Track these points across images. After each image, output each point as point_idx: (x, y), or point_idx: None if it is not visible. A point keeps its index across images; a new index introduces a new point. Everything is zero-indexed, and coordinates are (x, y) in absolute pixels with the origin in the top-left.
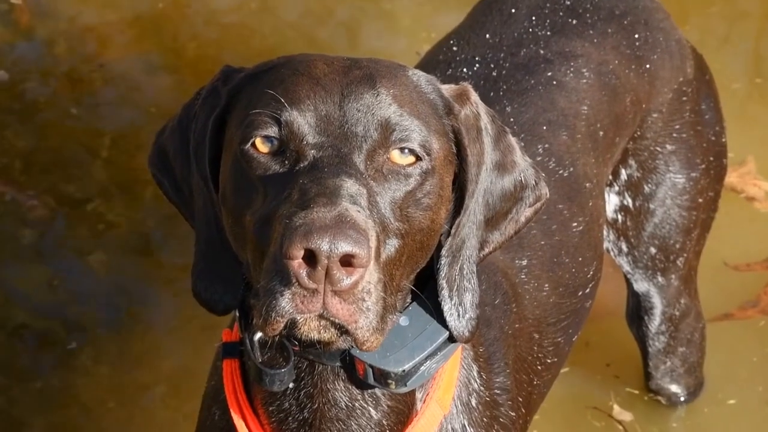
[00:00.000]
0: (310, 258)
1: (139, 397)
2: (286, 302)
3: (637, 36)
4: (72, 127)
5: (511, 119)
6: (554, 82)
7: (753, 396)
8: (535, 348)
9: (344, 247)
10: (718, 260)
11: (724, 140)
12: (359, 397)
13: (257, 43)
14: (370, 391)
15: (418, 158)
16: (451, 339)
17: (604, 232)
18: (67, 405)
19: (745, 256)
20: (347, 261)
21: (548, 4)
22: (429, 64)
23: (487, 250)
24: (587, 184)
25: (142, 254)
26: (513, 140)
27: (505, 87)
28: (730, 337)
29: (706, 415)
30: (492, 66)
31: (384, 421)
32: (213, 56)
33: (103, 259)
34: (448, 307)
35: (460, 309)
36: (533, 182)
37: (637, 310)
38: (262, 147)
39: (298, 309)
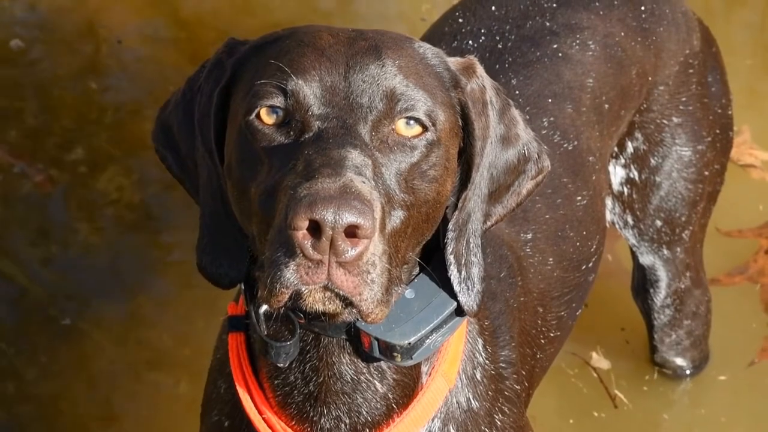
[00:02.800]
0: (315, 229)
1: (136, 372)
2: (290, 273)
3: (643, 8)
4: (86, 101)
5: (517, 92)
6: (560, 55)
7: (737, 360)
8: (539, 321)
9: (349, 217)
10: (710, 225)
11: (730, 113)
12: (365, 370)
13: (263, 17)
14: (375, 364)
15: (424, 129)
16: (458, 312)
17: (610, 205)
18: (64, 378)
19: (737, 223)
20: (352, 232)
21: None
22: (434, 35)
23: (489, 223)
24: (591, 158)
25: (146, 231)
26: (517, 113)
27: (510, 59)
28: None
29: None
30: (497, 38)
31: (389, 395)
32: (218, 29)
33: (105, 234)
34: (457, 282)
35: (468, 283)
36: (536, 155)
37: (642, 283)
38: (267, 118)
39: (302, 280)
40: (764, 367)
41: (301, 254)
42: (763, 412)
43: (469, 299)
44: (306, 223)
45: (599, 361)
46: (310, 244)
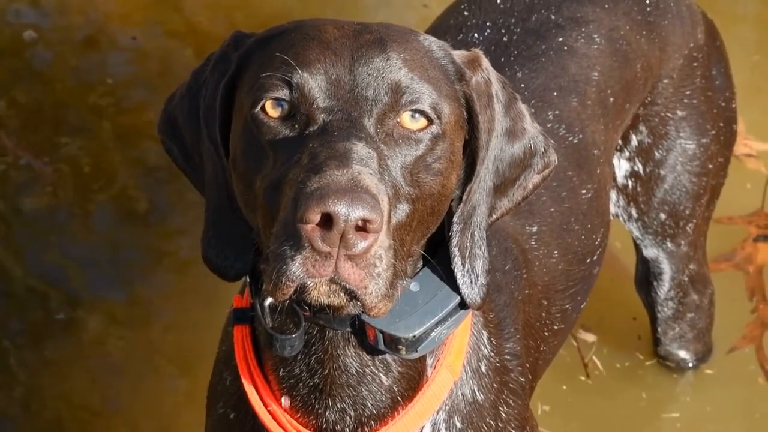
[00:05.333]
0: (325, 222)
1: (135, 364)
2: (297, 267)
3: (648, 1)
4: (92, 93)
5: (522, 85)
6: (565, 48)
7: (719, 346)
8: (544, 314)
9: (361, 212)
10: None
11: (734, 106)
12: (370, 362)
13: (267, 9)
14: (380, 356)
15: (429, 122)
16: (462, 305)
17: (614, 198)
18: (63, 370)
19: (728, 210)
20: (362, 225)
21: None
22: (439, 28)
23: (494, 217)
24: (596, 151)
25: (147, 222)
26: (523, 107)
27: (516, 52)
28: None
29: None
30: (503, 31)
31: (394, 387)
32: (223, 22)
33: (106, 225)
34: (461, 275)
35: (472, 276)
36: (542, 149)
37: (646, 275)
38: (272, 111)
39: (309, 273)
40: (743, 355)
41: (310, 247)
42: (739, 398)
43: (472, 292)
44: (318, 217)
45: (584, 334)
46: (319, 236)
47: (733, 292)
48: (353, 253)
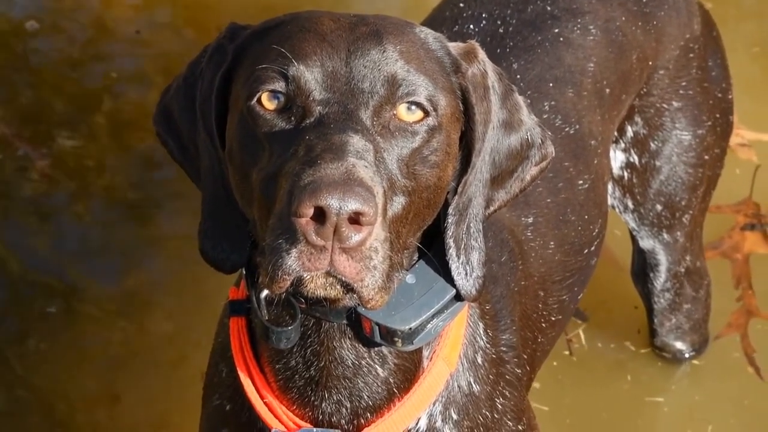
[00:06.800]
0: (319, 215)
1: (130, 360)
2: (292, 260)
3: None
4: (89, 84)
5: (518, 76)
6: (561, 39)
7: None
8: (540, 305)
9: (354, 204)
10: None
11: (730, 97)
12: (366, 355)
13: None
14: (376, 348)
15: (425, 114)
16: (458, 297)
17: (610, 189)
18: (61, 361)
19: (716, 199)
20: (355, 218)
21: None
22: (435, 20)
23: (492, 209)
24: (592, 142)
25: (141, 212)
26: (520, 99)
27: (511, 44)
28: None
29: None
30: (499, 22)
31: (391, 379)
32: (218, 14)
33: (101, 216)
34: (455, 266)
35: (467, 268)
36: (539, 141)
37: (642, 267)
38: (268, 104)
39: (304, 266)
40: (727, 342)
41: (304, 241)
42: (723, 385)
43: (467, 284)
44: (311, 211)
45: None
46: (313, 230)
47: (719, 280)
48: (347, 246)
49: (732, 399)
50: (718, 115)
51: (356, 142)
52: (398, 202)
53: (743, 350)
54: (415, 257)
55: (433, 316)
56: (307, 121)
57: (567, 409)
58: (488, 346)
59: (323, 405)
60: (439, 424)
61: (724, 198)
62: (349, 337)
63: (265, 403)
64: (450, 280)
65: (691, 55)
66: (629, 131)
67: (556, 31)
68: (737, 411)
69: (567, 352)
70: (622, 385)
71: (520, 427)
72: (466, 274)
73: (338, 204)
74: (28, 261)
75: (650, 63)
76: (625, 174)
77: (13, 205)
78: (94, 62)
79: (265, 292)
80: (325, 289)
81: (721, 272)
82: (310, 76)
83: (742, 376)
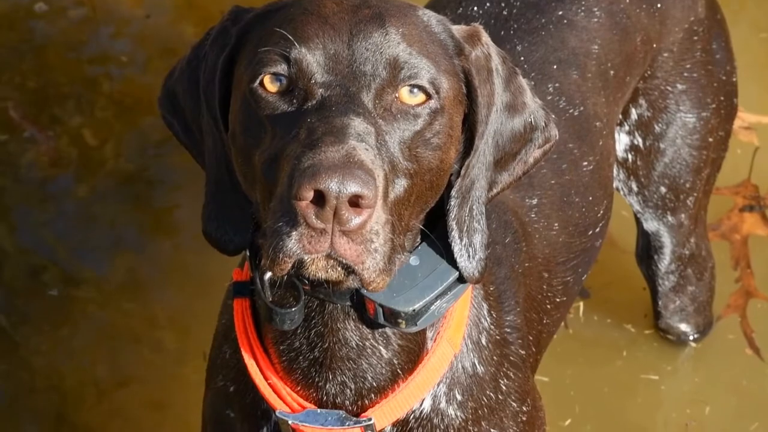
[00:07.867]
0: (319, 198)
1: (132, 341)
2: (293, 243)
3: None
4: (96, 66)
5: (522, 58)
6: (565, 21)
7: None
8: (545, 287)
9: (353, 187)
10: None
11: (734, 80)
12: (370, 336)
13: None
14: (380, 330)
15: (428, 97)
16: (461, 279)
17: (615, 172)
18: (65, 345)
19: (718, 181)
20: (355, 201)
21: None
22: (439, 2)
23: (495, 191)
24: (597, 123)
25: (144, 194)
26: (524, 81)
27: (515, 26)
28: None
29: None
30: (502, 4)
31: (395, 360)
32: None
33: (104, 198)
34: (458, 249)
35: (470, 250)
36: (543, 124)
37: (647, 249)
38: (271, 86)
39: (305, 249)
40: (726, 323)
41: (304, 223)
42: (722, 366)
43: (469, 266)
44: (311, 194)
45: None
46: (313, 213)
47: (718, 262)
48: (348, 229)
49: (730, 379)
50: (722, 98)
51: (357, 124)
52: (400, 185)
53: (742, 331)
54: (419, 239)
55: (436, 298)
56: (309, 104)
57: (570, 380)
58: (492, 327)
59: (327, 386)
60: (443, 405)
61: (723, 180)
62: (353, 319)
63: (269, 385)
64: (453, 262)
65: (696, 37)
66: (633, 114)
67: (560, 13)
68: (735, 391)
69: (564, 326)
70: (616, 362)
71: (524, 408)
72: (469, 256)
73: (337, 187)
74: (32, 243)
75: (654, 45)
76: (630, 156)
77: (19, 186)
78: (102, 45)
79: (268, 274)
80: (327, 272)
81: (720, 253)
82: (312, 59)
83: (741, 357)
